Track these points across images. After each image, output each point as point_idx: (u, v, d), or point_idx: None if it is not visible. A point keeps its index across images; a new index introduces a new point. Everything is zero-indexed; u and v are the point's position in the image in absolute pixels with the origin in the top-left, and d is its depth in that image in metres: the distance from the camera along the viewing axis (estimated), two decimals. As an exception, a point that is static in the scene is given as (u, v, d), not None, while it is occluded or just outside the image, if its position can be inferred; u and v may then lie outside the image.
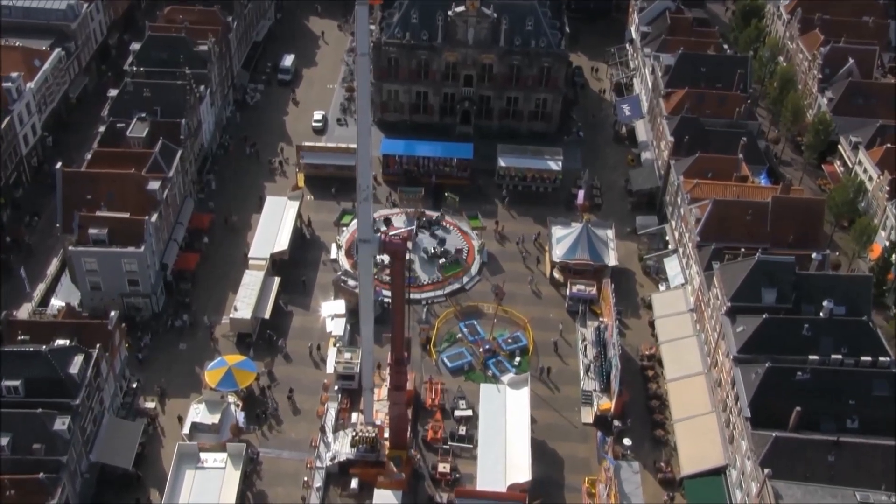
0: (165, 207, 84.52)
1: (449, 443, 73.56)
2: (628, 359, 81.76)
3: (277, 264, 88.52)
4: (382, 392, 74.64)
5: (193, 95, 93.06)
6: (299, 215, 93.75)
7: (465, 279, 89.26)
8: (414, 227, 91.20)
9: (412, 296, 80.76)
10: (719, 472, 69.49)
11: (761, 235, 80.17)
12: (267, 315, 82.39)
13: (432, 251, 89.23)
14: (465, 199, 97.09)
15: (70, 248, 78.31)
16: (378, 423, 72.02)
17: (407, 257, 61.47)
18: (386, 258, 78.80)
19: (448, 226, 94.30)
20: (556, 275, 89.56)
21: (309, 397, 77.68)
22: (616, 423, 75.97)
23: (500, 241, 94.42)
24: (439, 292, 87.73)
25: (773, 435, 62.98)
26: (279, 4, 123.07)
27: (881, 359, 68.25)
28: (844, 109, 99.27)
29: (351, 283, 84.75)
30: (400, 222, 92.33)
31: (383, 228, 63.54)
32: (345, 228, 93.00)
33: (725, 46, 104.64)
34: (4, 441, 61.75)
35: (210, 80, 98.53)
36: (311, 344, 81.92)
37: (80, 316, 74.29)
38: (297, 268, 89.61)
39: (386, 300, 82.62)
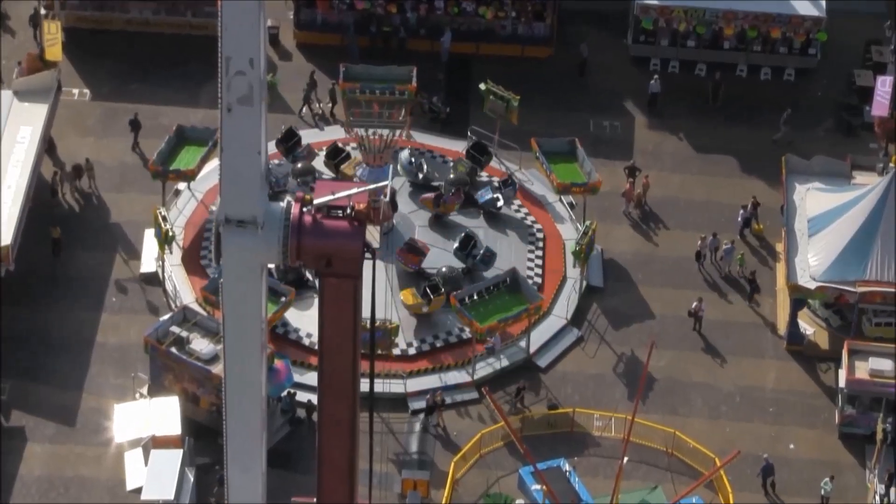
0: None
1: None
2: None
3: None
4: None
5: None
6: (49, 144, 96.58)
7: (537, 338, 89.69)
8: (388, 182, 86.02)
9: (385, 384, 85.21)
10: None
11: None
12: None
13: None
14: (538, 100, 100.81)
15: None
16: None
17: (372, 267, 55.79)
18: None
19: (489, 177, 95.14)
20: (807, 326, 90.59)
21: None
22: None
23: (643, 222, 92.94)
24: (462, 376, 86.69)
25: None
26: None
27: None
28: None
29: (200, 347, 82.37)
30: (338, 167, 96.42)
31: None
32: (184, 186, 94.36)
33: None
34: None
35: None
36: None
37: None
38: (36, 298, 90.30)
39: (306, 398, 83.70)
